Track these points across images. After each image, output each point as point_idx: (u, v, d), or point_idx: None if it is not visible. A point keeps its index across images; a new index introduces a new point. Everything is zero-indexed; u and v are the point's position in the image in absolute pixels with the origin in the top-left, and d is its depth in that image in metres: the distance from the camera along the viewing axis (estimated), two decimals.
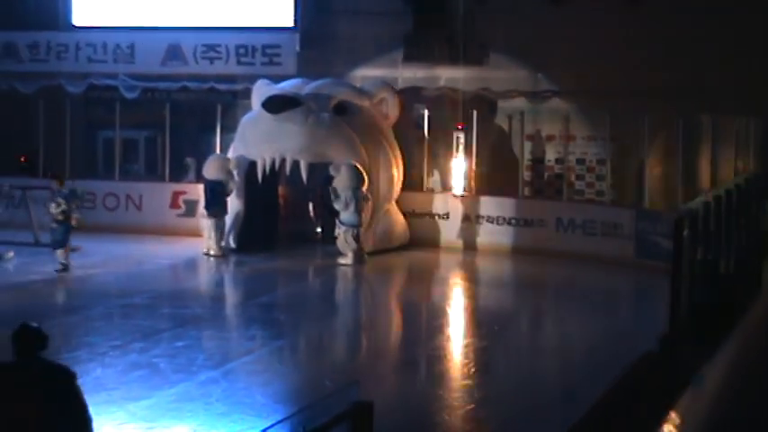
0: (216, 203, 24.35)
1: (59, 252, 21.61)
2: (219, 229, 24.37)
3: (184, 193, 27.40)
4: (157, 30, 29.26)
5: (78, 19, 30.07)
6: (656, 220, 22.81)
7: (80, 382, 12.85)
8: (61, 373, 7.50)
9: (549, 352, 16.84)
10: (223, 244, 24.47)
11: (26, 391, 7.25)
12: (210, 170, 24.60)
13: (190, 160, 28.40)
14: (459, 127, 26.68)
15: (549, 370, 15.34)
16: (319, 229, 26.41)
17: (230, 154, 25.38)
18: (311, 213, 26.72)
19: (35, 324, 7.57)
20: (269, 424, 11.18)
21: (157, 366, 14.48)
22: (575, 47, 25.95)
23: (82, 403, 7.58)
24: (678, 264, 12.15)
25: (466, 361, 15.72)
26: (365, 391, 9.99)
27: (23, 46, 30.03)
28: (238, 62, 28.83)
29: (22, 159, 30.16)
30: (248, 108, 26.54)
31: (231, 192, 24.55)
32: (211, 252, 24.27)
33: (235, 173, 24.71)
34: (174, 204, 27.59)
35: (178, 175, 28.47)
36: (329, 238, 24.71)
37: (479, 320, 18.90)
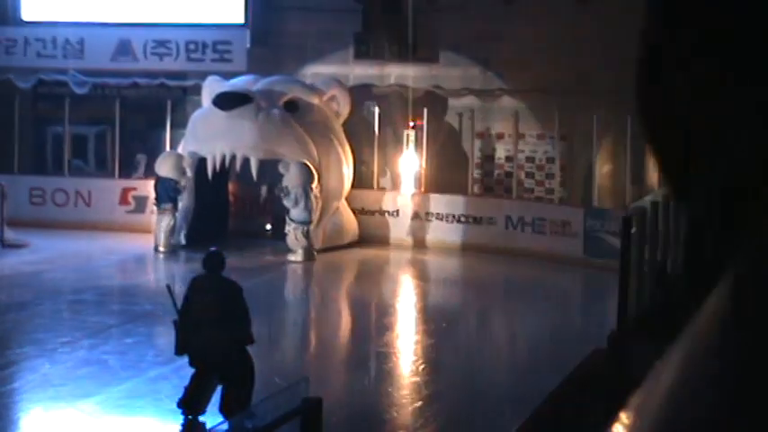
0: (167, 200, 24.30)
1: None
2: (170, 225, 24.33)
3: (134, 189, 27.31)
4: (107, 26, 29.12)
5: (27, 14, 29.87)
6: (605, 219, 23.01)
7: (28, 379, 12.85)
8: (232, 284, 11.72)
9: (497, 350, 16.99)
10: (173, 240, 24.42)
11: (212, 291, 11.55)
12: (163, 167, 24.54)
13: (140, 156, 28.28)
14: (412, 125, 26.79)
15: (497, 367, 15.47)
16: (269, 227, 26.41)
17: (180, 150, 25.33)
18: (261, 211, 26.71)
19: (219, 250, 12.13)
20: (219, 421, 11.20)
21: (107, 363, 14.46)
22: (525, 45, 26.07)
23: (243, 305, 11.46)
24: (626, 262, 12.30)
25: (414, 358, 15.81)
26: (314, 389, 10.05)
27: None
28: (188, 58, 28.77)
29: None
30: (198, 104, 26.47)
31: (184, 189, 24.49)
32: (161, 248, 24.22)
33: (187, 170, 24.65)
34: (123, 201, 27.49)
35: (128, 171, 28.37)
36: (279, 235, 24.70)
37: (428, 318, 18.99)
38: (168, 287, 12.22)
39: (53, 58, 29.41)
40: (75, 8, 29.46)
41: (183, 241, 24.75)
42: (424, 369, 14.89)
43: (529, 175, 27.46)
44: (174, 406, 12.29)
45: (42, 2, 29.81)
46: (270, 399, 12.35)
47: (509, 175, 27.28)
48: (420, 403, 13.20)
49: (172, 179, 24.31)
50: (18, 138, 28.47)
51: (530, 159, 27.49)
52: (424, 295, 21.51)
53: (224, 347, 11.25)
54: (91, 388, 13.09)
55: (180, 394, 11.83)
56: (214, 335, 11.15)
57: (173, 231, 24.41)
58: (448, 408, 12.97)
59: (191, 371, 14.33)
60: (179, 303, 11.73)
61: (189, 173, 24.70)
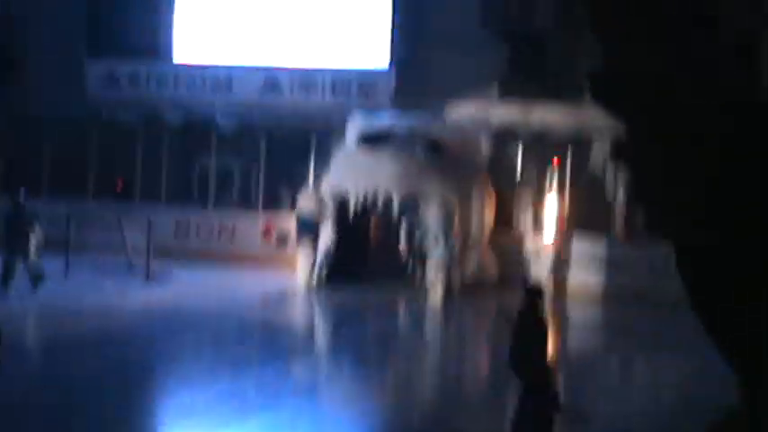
0: (308, 236, 24.46)
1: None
2: (311, 261, 24.48)
3: (277, 223, 27.56)
4: (255, 68, 29.58)
5: (179, 56, 30.50)
6: None
7: (171, 408, 12.93)
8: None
9: (644, 397, 16.59)
10: (314, 276, 24.54)
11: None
12: (304, 204, 24.73)
13: (285, 191, 28.52)
14: (556, 163, 26.50)
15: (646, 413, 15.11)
16: (408, 264, 26.23)
17: (324, 186, 25.49)
18: (401, 249, 26.63)
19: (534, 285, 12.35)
20: None
21: (246, 394, 14.54)
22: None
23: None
24: None
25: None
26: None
27: (125, 74, 30.51)
28: (333, 95, 29.00)
29: (119, 185, 30.56)
30: (343, 141, 26.67)
31: (324, 225, 24.60)
32: (302, 283, 24.38)
33: (328, 206, 24.76)
34: (266, 235, 27.78)
35: (273, 205, 28.66)
36: (417, 274, 24.62)
37: (567, 362, 18.71)
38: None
39: (202, 92, 29.92)
40: (225, 50, 30.01)
41: (324, 277, 24.83)
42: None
43: None
44: None
45: (193, 44, 30.40)
46: None
47: None
48: None
49: (310, 216, 24.47)
50: (165, 170, 29.03)
51: None
52: (559, 341, 21.19)
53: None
54: (230, 419, 13.16)
55: (317, 429, 11.80)
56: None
57: (314, 267, 24.55)
58: None
59: (326, 405, 14.40)
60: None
61: (330, 210, 24.82)
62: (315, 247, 24.57)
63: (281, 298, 24.06)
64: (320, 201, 24.75)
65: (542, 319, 11.94)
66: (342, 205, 24.88)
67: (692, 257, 6.93)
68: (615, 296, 24.67)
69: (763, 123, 6.56)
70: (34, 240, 21.59)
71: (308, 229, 24.48)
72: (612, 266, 25.20)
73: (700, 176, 6.72)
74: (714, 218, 6.70)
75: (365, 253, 26.51)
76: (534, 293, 11.83)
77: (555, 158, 26.71)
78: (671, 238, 7.09)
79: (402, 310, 23.37)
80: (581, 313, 24.00)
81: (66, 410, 13.44)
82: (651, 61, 6.64)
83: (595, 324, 23.35)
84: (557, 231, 26.33)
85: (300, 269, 24.55)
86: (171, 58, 30.56)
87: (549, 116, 27.34)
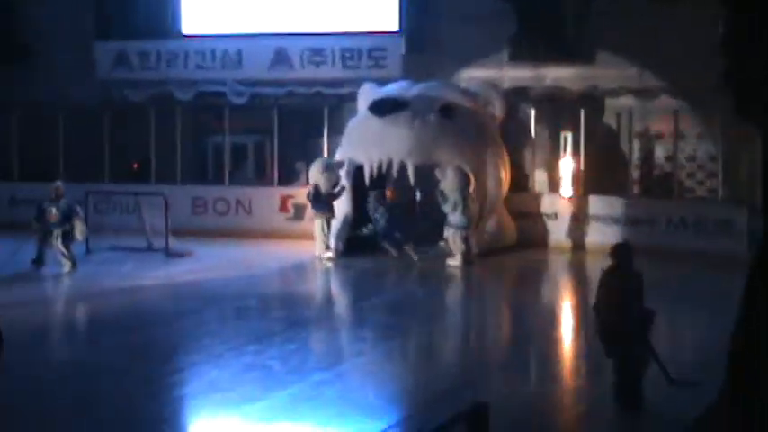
0: (322, 207, 24.50)
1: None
2: (327, 231, 24.55)
3: (293, 197, 27.62)
4: (264, 36, 29.57)
5: (187, 28, 30.55)
6: None
7: (195, 384, 13.05)
8: (638, 275, 12.54)
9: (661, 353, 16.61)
10: (332, 246, 24.61)
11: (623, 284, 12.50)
12: (316, 174, 24.78)
13: (299, 165, 28.53)
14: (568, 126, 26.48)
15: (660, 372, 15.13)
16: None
17: (338, 157, 25.52)
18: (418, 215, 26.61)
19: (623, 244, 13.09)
20: (385, 425, 11.23)
21: (271, 368, 14.63)
22: (683, 43, 25.54)
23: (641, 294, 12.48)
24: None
25: (577, 362, 15.64)
26: (477, 393, 9.97)
27: (134, 55, 30.53)
28: (344, 66, 28.98)
29: (135, 166, 30.67)
30: (354, 111, 26.68)
31: (339, 194, 24.64)
32: (321, 255, 24.45)
33: (342, 176, 24.80)
34: (283, 208, 27.84)
35: (288, 179, 28.71)
36: (434, 239, 24.59)
37: (589, 322, 18.71)
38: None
39: (212, 69, 29.94)
40: (233, 21, 30.02)
41: (342, 247, 24.89)
42: (586, 372, 14.72)
43: (690, 175, 26.95)
44: (339, 410, 12.40)
45: (201, 16, 30.44)
46: (434, 403, 12.36)
47: (669, 175, 26.82)
48: (584, 407, 13.07)
49: (325, 188, 24.50)
50: (179, 149, 29.10)
51: (690, 159, 26.97)
52: (583, 299, 21.21)
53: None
54: (256, 393, 13.25)
55: (344, 398, 11.86)
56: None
57: (329, 237, 24.61)
58: (611, 411, 12.76)
59: (355, 376, 14.47)
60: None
61: (344, 179, 24.85)
62: (329, 218, 24.60)
63: (300, 270, 24.13)
64: (331, 171, 24.76)
65: (638, 273, 12.55)
66: (357, 175, 24.92)
67: None
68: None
69: None
70: (81, 226, 22.43)
71: (322, 200, 24.50)
72: (629, 224, 25.19)
73: None
74: None
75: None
76: (625, 250, 12.62)
77: (567, 120, 26.68)
78: None
79: (421, 276, 23.39)
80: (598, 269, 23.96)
81: (93, 388, 13.58)
82: None
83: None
84: (573, 191, 26.34)
85: (318, 240, 24.60)
86: (180, 34, 30.54)
87: (561, 76, 27.32)
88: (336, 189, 24.65)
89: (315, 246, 24.62)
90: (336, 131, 27.21)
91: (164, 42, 30.46)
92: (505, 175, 25.64)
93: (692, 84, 25.49)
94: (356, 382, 14.25)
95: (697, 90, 25.32)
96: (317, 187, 24.60)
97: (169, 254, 24.39)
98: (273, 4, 29.90)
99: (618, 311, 12.32)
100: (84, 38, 30.62)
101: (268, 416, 12.43)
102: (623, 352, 12.46)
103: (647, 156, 27.56)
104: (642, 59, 26.64)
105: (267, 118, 28.82)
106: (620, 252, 12.70)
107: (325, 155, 26.92)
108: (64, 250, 22.20)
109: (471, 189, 23.81)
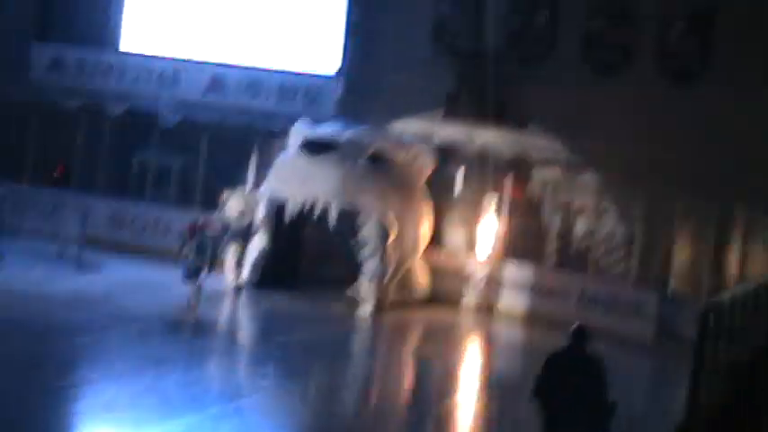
0: (235, 238, 24.49)
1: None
2: (240, 261, 24.49)
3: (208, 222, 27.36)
4: (203, 63, 29.51)
5: (126, 44, 30.40)
6: (681, 306, 22.74)
7: (93, 401, 12.84)
8: (597, 359, 11.51)
9: None
10: (245, 277, 24.47)
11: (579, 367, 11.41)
12: (233, 205, 24.76)
13: (227, 194, 28.30)
14: (495, 188, 26.64)
15: None
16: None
17: (262, 190, 25.42)
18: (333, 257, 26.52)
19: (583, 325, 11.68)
20: None
21: (171, 394, 14.47)
22: (614, 124, 25.89)
23: (604, 381, 11.48)
24: (700, 358, 12.09)
25: (473, 425, 15.69)
26: None
27: (71, 61, 30.26)
28: (279, 99, 28.95)
29: (58, 172, 30.21)
30: (285, 147, 26.60)
31: (252, 229, 24.62)
32: (233, 283, 24.35)
33: (260, 208, 24.72)
34: (190, 233, 27.55)
35: (211, 205, 28.47)
36: (349, 281, 24.55)
37: (490, 384, 18.80)
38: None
39: (147, 86, 29.74)
40: (173, 43, 29.93)
41: (256, 279, 24.70)
42: None
43: (607, 252, 27.15)
44: None
45: (141, 34, 30.31)
46: None
47: (587, 249, 27.02)
48: None
49: (240, 219, 24.49)
50: (104, 160, 28.83)
51: (609, 237, 27.18)
52: (487, 361, 21.31)
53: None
54: (152, 418, 13.12)
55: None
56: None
57: (241, 269, 24.52)
58: None
59: (251, 411, 14.36)
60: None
61: (266, 214, 24.76)
62: (243, 250, 24.52)
63: (211, 297, 23.88)
64: (252, 204, 24.69)
65: (599, 358, 11.60)
66: (279, 210, 24.83)
67: None
68: (539, 320, 24.78)
69: None
70: None
71: (235, 231, 24.42)
72: (542, 293, 25.35)
73: None
74: None
75: (297, 259, 26.46)
76: (582, 334, 11.50)
77: (494, 185, 26.83)
78: None
79: (331, 320, 23.29)
80: (507, 334, 24.14)
81: None
82: None
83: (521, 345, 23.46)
84: (491, 253, 26.46)
85: (228, 270, 24.47)
86: (119, 48, 30.38)
87: (491, 140, 27.46)
88: (262, 223, 24.60)
89: (225, 274, 24.45)
90: (264, 164, 27.08)
91: (102, 52, 30.24)
92: (426, 230, 25.72)
93: (619, 164, 25.85)
94: (253, 420, 14.15)
95: (622, 171, 25.67)
96: (232, 217, 24.59)
97: (80, 264, 24.11)
98: (215, 31, 29.89)
99: (570, 397, 11.36)
100: (22, 38, 30.31)
101: None
102: None
103: (568, 228, 27.74)
104: (572, 134, 26.80)
105: (196, 141, 28.65)
106: (577, 335, 11.59)
107: (250, 186, 26.79)
108: None
109: (391, 239, 23.85)
